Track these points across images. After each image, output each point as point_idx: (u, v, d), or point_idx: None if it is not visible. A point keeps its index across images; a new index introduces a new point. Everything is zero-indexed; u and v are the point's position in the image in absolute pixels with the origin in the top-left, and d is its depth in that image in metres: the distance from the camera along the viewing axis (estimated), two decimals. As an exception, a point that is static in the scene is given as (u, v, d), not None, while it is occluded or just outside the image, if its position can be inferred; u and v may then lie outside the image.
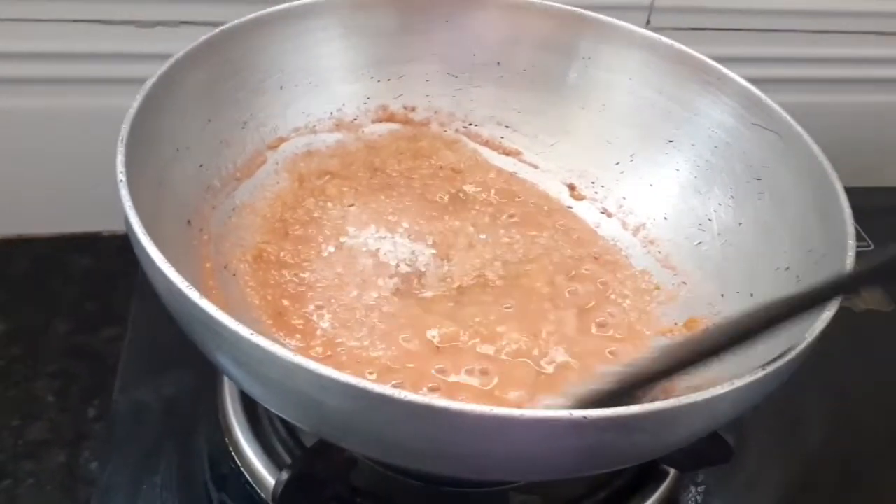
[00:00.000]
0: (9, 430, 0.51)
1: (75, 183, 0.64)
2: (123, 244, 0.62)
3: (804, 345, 0.34)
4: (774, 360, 0.33)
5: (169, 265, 0.32)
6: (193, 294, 0.31)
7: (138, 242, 0.33)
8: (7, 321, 0.58)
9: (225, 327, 0.30)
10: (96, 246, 0.65)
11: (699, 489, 0.49)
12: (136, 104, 0.40)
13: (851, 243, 0.39)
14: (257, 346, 0.29)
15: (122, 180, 0.35)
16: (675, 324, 0.48)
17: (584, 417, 0.29)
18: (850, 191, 0.42)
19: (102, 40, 0.59)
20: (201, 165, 0.46)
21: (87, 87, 0.61)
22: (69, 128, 0.62)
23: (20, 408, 0.52)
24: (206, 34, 0.46)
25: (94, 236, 0.65)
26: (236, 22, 0.48)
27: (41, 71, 0.60)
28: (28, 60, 0.59)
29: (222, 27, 0.47)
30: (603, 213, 0.55)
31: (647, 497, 0.46)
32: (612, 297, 0.50)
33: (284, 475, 0.38)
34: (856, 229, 0.40)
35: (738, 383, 0.31)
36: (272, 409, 0.38)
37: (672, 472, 0.47)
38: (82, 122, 0.62)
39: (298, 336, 0.44)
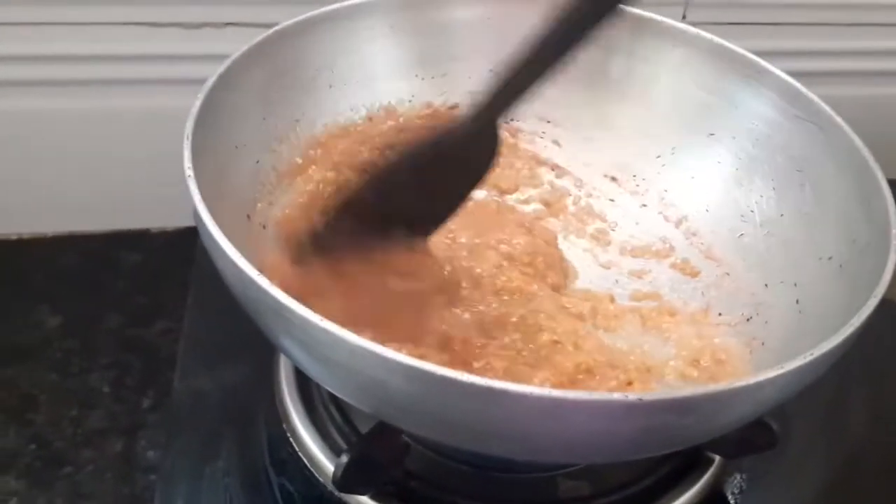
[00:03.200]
0: (68, 420, 0.52)
1: (124, 181, 0.65)
2: (171, 240, 0.66)
3: (851, 331, 0.34)
4: (821, 345, 0.33)
5: (239, 255, 0.33)
6: (264, 282, 0.32)
7: (208, 234, 0.34)
8: (62, 315, 0.59)
9: (294, 313, 0.31)
10: (145, 242, 0.66)
11: (743, 476, 0.49)
12: (198, 102, 0.41)
13: (895, 231, 0.39)
14: (326, 331, 0.31)
15: (189, 175, 0.37)
16: (720, 314, 0.49)
17: (640, 399, 0.30)
18: (891, 182, 0.42)
19: (150, 42, 0.60)
20: (258, 162, 0.47)
21: (136, 88, 0.62)
22: (118, 128, 0.63)
23: (78, 398, 0.54)
24: (252, 35, 0.47)
25: (142, 233, 0.67)
26: (288, 23, 0.48)
27: (89, 73, 0.61)
28: (76, 62, 0.60)
29: (275, 28, 0.48)
30: (644, 206, 0.56)
31: (693, 484, 0.46)
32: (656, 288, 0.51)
33: (344, 459, 0.39)
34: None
35: (787, 367, 0.32)
36: (334, 391, 0.39)
37: (717, 459, 0.47)
38: (130, 122, 0.63)
39: None
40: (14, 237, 0.66)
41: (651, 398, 0.30)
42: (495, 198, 0.56)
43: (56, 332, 0.58)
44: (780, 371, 0.32)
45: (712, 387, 0.31)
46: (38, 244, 0.65)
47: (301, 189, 0.50)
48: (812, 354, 0.33)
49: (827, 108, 0.47)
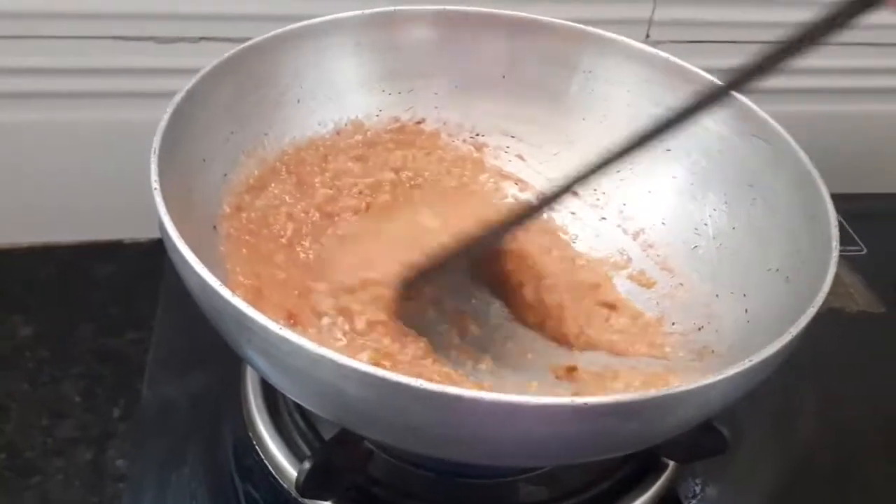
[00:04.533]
0: (38, 429, 0.53)
1: (98, 193, 0.66)
2: (144, 251, 0.67)
3: (789, 339, 0.36)
4: (760, 352, 0.35)
5: (202, 266, 0.34)
6: (226, 292, 0.33)
7: (173, 246, 0.35)
8: (34, 325, 0.60)
9: (255, 322, 0.32)
10: (118, 253, 0.67)
11: (697, 481, 0.50)
12: (166, 117, 0.42)
13: (835, 244, 0.41)
14: (285, 340, 0.32)
15: (156, 188, 0.37)
16: (673, 324, 0.50)
17: (585, 403, 0.31)
18: (842, 196, 0.44)
19: (125, 56, 0.61)
20: (225, 175, 0.48)
21: (110, 101, 0.63)
22: (92, 140, 0.64)
23: (49, 407, 0.54)
24: (226, 50, 0.48)
25: (116, 244, 0.67)
26: (258, 39, 0.49)
27: (64, 86, 0.62)
28: (51, 76, 0.61)
29: (245, 44, 0.49)
30: (604, 219, 0.57)
31: (648, 488, 0.48)
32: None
33: (306, 465, 0.40)
34: (848, 233, 0.42)
35: (728, 373, 0.33)
36: (296, 399, 0.40)
37: (672, 464, 0.49)
38: (104, 134, 0.64)
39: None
40: (-12, 248, 0.66)
41: (596, 402, 0.31)
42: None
43: (28, 341, 0.58)
44: (722, 376, 0.33)
45: (655, 391, 0.32)
46: (12, 255, 0.66)
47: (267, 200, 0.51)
48: (751, 361, 0.34)
49: (777, 126, 0.49)
